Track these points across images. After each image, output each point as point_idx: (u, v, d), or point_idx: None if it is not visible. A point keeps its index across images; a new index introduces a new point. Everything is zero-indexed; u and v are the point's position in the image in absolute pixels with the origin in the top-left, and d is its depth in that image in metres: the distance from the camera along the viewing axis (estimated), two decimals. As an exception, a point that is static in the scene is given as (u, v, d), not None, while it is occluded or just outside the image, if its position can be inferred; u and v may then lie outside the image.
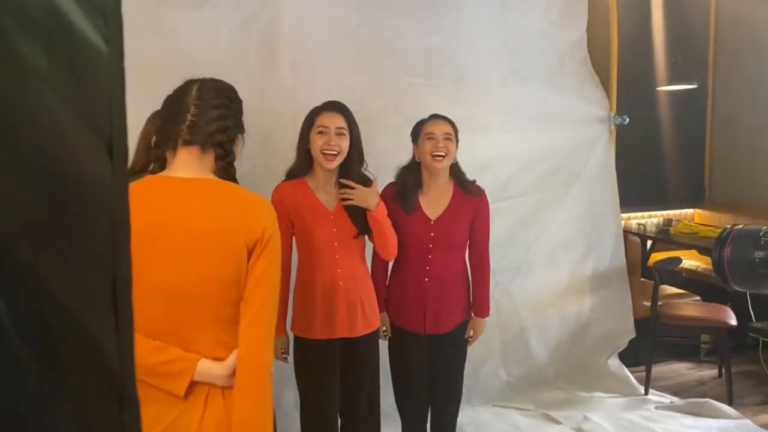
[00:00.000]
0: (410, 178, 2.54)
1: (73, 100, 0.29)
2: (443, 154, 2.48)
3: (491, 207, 2.64)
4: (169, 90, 1.94)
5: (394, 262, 2.61)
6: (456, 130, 2.56)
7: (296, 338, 2.40)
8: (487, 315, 2.66)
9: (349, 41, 3.23)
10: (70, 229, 0.30)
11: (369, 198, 2.33)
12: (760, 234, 0.71)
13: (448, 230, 2.52)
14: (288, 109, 2.88)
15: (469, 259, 2.67)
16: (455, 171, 2.58)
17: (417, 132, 2.58)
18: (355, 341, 2.39)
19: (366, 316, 2.41)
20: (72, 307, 0.30)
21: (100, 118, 0.31)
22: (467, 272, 2.64)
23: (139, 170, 2.15)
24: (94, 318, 0.30)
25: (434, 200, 2.54)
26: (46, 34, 0.28)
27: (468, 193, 2.56)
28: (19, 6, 0.28)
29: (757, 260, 0.71)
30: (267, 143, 2.89)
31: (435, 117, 2.58)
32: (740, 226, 0.77)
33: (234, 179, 1.55)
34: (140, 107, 1.91)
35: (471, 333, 2.64)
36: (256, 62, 3.05)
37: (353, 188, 2.32)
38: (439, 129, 2.50)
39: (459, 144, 2.57)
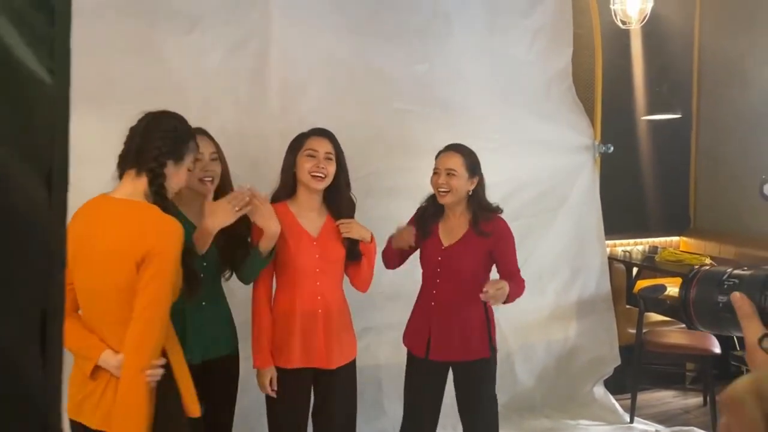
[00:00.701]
0: (431, 206, 2.58)
1: (10, 130, 0.30)
2: (445, 190, 2.48)
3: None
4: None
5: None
6: (470, 163, 2.50)
7: None
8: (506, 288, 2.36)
9: (338, 68, 3.25)
10: (1, 258, 0.30)
11: (362, 231, 2.37)
12: (724, 278, 0.73)
13: (455, 259, 2.51)
14: (276, 134, 2.89)
15: None
16: (473, 206, 2.53)
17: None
18: (331, 373, 2.35)
19: (342, 347, 2.38)
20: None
21: (39, 149, 0.31)
22: (482, 310, 2.54)
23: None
24: (19, 349, 0.30)
25: (451, 228, 2.55)
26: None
27: (479, 235, 2.50)
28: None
29: (721, 305, 0.72)
30: (255, 168, 2.90)
31: (447, 149, 2.56)
32: (707, 267, 0.79)
33: (165, 200, 1.81)
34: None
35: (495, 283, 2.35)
36: (245, 87, 3.07)
37: (347, 222, 2.35)
38: (443, 164, 2.50)
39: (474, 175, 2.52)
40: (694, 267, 0.88)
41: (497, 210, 2.57)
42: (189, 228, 2.19)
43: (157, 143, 1.80)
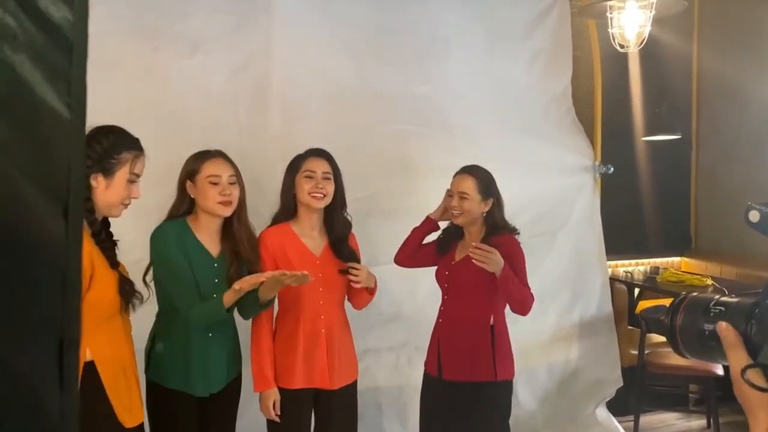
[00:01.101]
0: (452, 226, 2.63)
1: (30, 165, 0.31)
2: (457, 212, 2.52)
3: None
4: (160, 133, 2.01)
5: None
6: (483, 186, 2.51)
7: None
8: (501, 269, 2.37)
9: (338, 90, 3.28)
10: (20, 289, 0.30)
11: (370, 279, 2.39)
12: (711, 305, 0.72)
13: (461, 274, 2.52)
14: (277, 154, 2.91)
15: None
16: (488, 225, 2.54)
17: None
18: (333, 394, 2.35)
19: (344, 367, 2.38)
20: (16, 367, 0.30)
21: (57, 181, 0.32)
22: (490, 331, 2.50)
23: (182, 213, 2.19)
24: (39, 378, 0.31)
25: (466, 247, 2.55)
26: (7, 102, 0.30)
27: None
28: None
29: (707, 333, 0.72)
30: (256, 188, 2.90)
31: (461, 171, 2.59)
32: (695, 294, 0.79)
33: (90, 215, 1.81)
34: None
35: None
36: (246, 109, 3.10)
37: (358, 269, 2.34)
38: (456, 186, 2.55)
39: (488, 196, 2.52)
40: (681, 293, 0.87)
41: (513, 231, 2.57)
42: (200, 252, 2.19)
43: (85, 159, 1.83)
